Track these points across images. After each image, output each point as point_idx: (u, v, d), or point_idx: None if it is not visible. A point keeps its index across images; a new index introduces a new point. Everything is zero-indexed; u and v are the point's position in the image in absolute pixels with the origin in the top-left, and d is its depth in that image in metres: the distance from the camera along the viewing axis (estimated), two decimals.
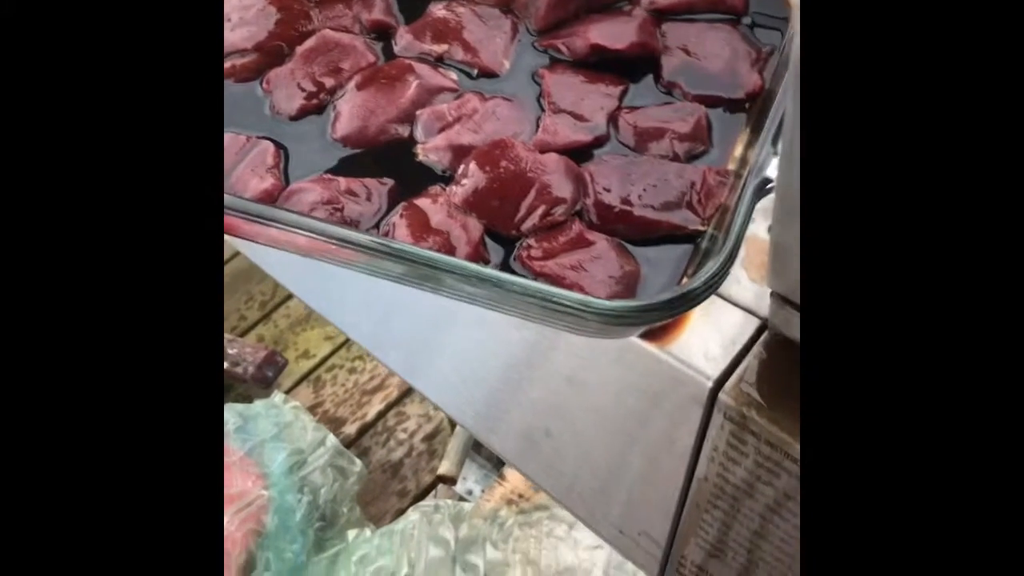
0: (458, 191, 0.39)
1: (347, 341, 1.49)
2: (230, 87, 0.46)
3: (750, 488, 0.36)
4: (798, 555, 0.36)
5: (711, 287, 0.32)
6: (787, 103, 0.27)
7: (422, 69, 0.44)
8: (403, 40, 0.46)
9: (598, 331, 0.34)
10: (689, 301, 0.31)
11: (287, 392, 1.40)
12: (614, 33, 0.44)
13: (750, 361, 0.35)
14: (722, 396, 0.35)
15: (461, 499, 1.19)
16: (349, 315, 0.59)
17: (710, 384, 0.35)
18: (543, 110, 0.42)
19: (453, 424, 1.28)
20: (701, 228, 0.37)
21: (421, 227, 0.39)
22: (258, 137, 0.43)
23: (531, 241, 0.38)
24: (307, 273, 0.58)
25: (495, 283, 0.33)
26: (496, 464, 1.21)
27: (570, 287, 0.36)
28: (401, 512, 1.22)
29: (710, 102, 0.41)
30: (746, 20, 0.45)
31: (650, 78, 0.43)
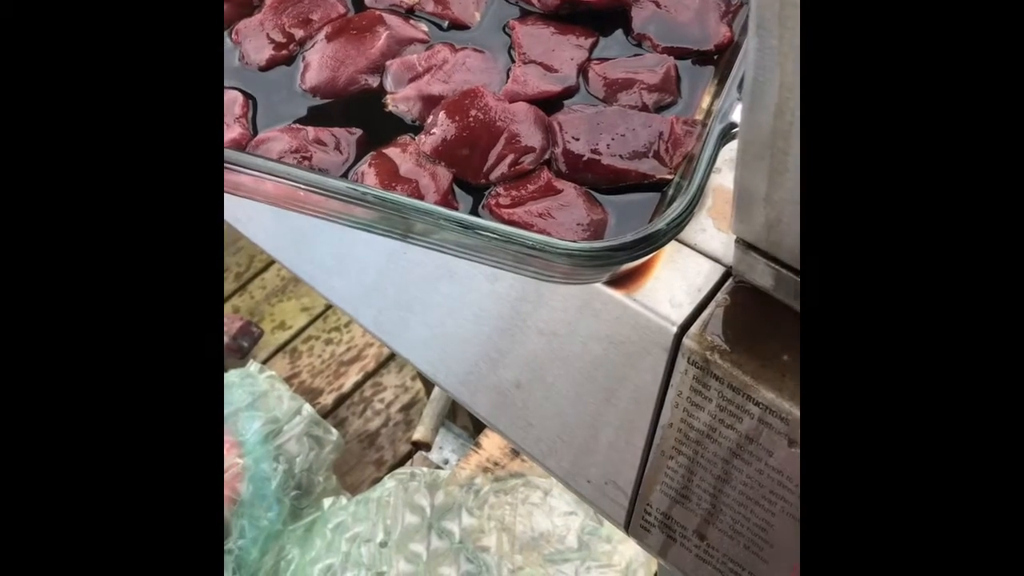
0: (427, 140, 0.39)
1: (324, 312, 1.48)
2: None
3: (713, 432, 0.36)
4: (760, 499, 0.37)
5: (675, 228, 0.32)
6: (749, 47, 0.27)
7: (392, 20, 0.44)
8: None
9: (565, 275, 0.34)
10: (654, 242, 0.32)
11: (263, 363, 1.40)
12: None
13: (714, 308, 0.36)
14: (686, 341, 0.35)
15: (437, 468, 1.19)
16: (325, 276, 0.59)
17: (674, 329, 0.35)
18: (513, 61, 0.42)
19: (429, 391, 1.28)
20: (668, 176, 0.37)
21: (390, 176, 0.39)
22: (227, 87, 0.43)
23: (499, 189, 0.38)
24: (284, 234, 0.58)
25: (463, 226, 0.33)
26: (472, 433, 1.22)
27: (539, 233, 0.36)
28: (377, 482, 1.23)
29: (679, 54, 0.41)
30: None
31: (620, 31, 0.43)
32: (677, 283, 0.36)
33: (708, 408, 0.36)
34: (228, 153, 0.37)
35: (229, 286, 1.54)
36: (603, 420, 0.41)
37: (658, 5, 0.43)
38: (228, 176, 0.37)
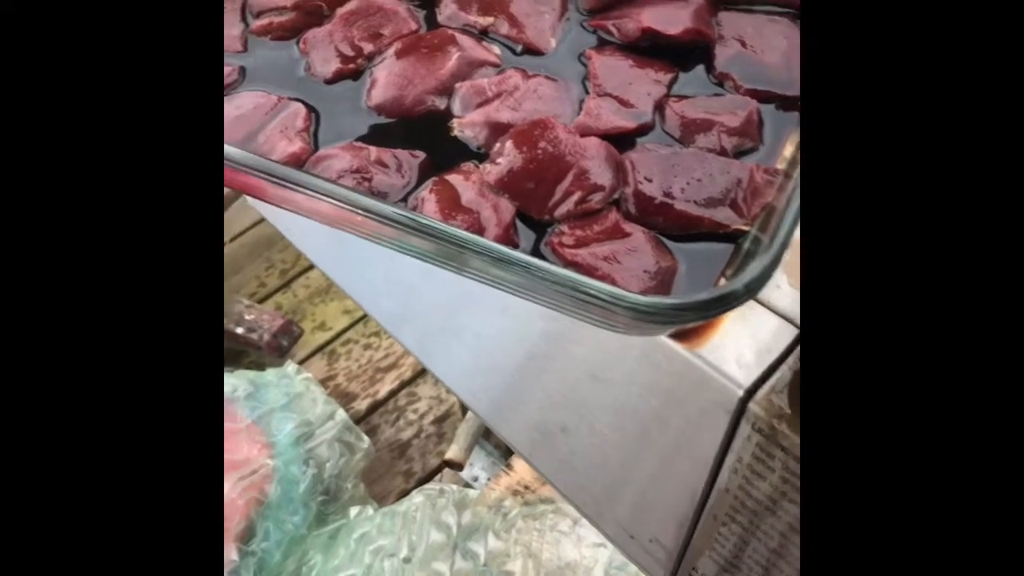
0: (492, 170, 0.37)
1: (364, 316, 1.48)
2: (265, 44, 0.45)
3: (773, 504, 0.34)
4: None
5: (751, 291, 0.30)
6: None
7: (465, 41, 0.42)
8: (448, 9, 0.45)
9: (627, 327, 0.32)
10: (726, 304, 0.30)
11: (301, 363, 1.40)
12: (668, 18, 0.42)
13: (784, 372, 0.34)
14: (752, 406, 0.33)
15: (466, 485, 1.18)
16: (369, 290, 0.58)
17: (741, 392, 0.33)
18: (587, 92, 0.40)
19: (464, 409, 1.27)
20: (744, 228, 0.35)
21: (450, 204, 0.37)
22: (290, 98, 0.41)
23: (564, 227, 0.36)
24: (330, 244, 0.57)
25: (524, 268, 0.32)
26: (504, 453, 1.20)
27: (602, 279, 0.34)
28: (405, 493, 1.22)
29: (763, 97, 0.39)
30: None
31: (701, 68, 0.41)
32: (746, 341, 0.34)
33: (770, 478, 0.34)
34: (284, 170, 0.35)
35: (273, 283, 1.54)
36: (653, 475, 0.39)
37: (744, 44, 0.41)
38: (283, 193, 0.36)
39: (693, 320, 0.31)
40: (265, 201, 0.37)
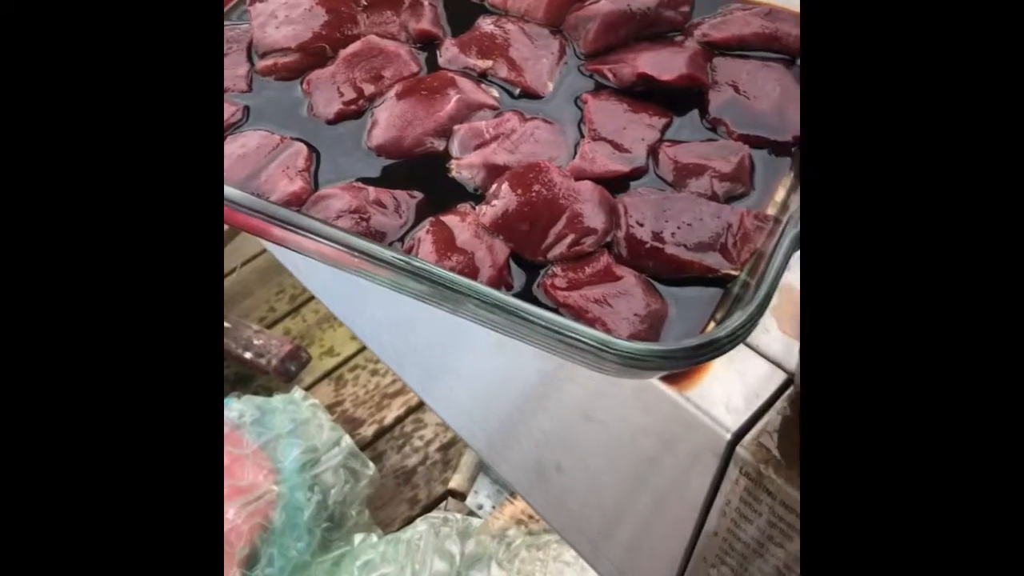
0: (487, 211, 0.38)
1: None
2: (270, 85, 0.46)
3: (760, 548, 0.34)
4: None
5: (738, 337, 0.30)
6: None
7: (464, 84, 0.43)
8: (448, 52, 0.45)
9: (617, 371, 0.33)
10: (713, 350, 0.30)
11: (308, 388, 1.40)
12: (663, 63, 0.42)
13: (772, 416, 0.34)
14: (740, 450, 0.33)
15: (471, 513, 1.17)
16: (369, 325, 0.58)
17: (728, 436, 0.33)
18: (583, 136, 0.41)
19: None
20: (734, 273, 0.36)
21: (446, 245, 0.38)
22: (292, 138, 0.42)
23: (557, 269, 0.37)
24: (331, 279, 0.58)
25: (515, 313, 0.32)
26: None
27: (592, 321, 0.34)
28: (410, 520, 1.22)
29: (755, 143, 0.40)
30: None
31: (695, 112, 0.42)
32: (735, 386, 0.35)
33: (757, 522, 0.34)
34: (283, 212, 0.36)
35: (282, 308, 1.55)
36: (644, 516, 0.39)
37: (737, 90, 0.41)
38: (286, 235, 0.37)
39: (680, 367, 0.31)
40: (269, 240, 0.38)
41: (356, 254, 0.34)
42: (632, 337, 0.34)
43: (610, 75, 0.43)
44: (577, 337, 0.31)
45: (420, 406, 1.40)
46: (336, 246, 0.35)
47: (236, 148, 0.42)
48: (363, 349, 1.48)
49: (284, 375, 1.38)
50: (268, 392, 1.26)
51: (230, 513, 1.04)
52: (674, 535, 0.38)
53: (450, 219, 0.39)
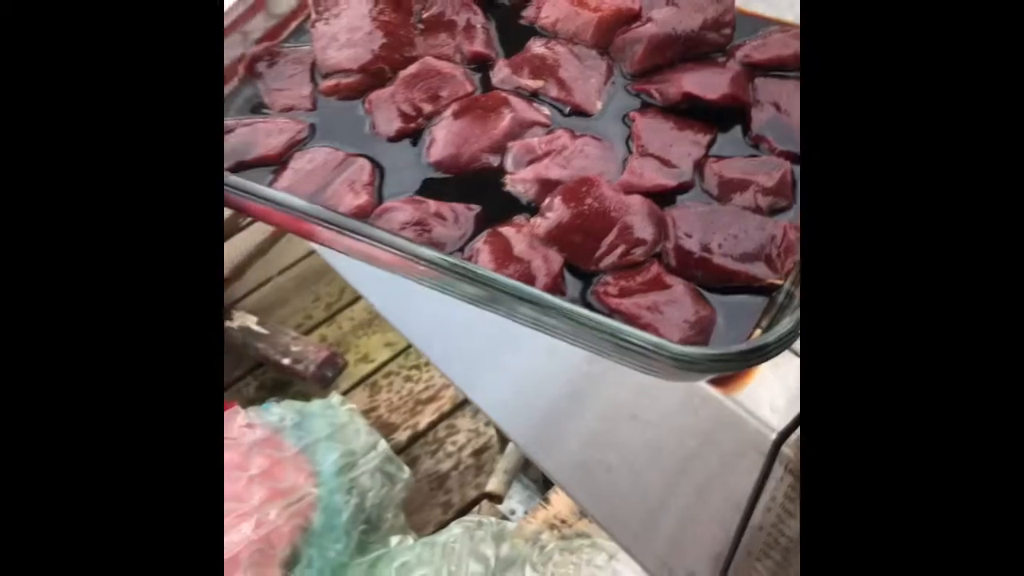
0: (542, 223, 0.40)
1: (406, 349, 1.51)
2: (332, 104, 0.48)
3: None
4: None
5: (784, 343, 0.32)
6: None
7: (517, 103, 0.46)
8: (501, 73, 0.48)
9: (668, 374, 0.35)
10: (761, 355, 0.32)
11: (344, 394, 1.43)
12: (707, 83, 0.45)
13: None
14: (784, 449, 0.35)
15: (504, 518, 1.20)
16: (415, 323, 0.61)
17: (774, 436, 0.35)
18: (631, 152, 0.44)
19: (504, 442, 1.29)
20: (778, 282, 0.38)
21: (503, 254, 0.40)
22: (356, 154, 0.45)
23: (609, 278, 0.39)
24: (378, 279, 0.60)
25: (572, 317, 0.34)
26: (541, 487, 1.22)
27: (644, 327, 0.37)
28: (444, 524, 1.24)
29: (796, 158, 0.42)
30: None
31: (738, 129, 0.44)
32: (779, 388, 0.37)
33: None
34: (352, 223, 0.39)
35: (319, 315, 1.58)
36: (691, 513, 0.41)
37: (778, 108, 0.44)
38: (348, 242, 0.39)
39: (729, 370, 0.33)
40: (335, 249, 0.40)
41: (423, 263, 0.37)
42: (682, 342, 0.36)
43: (656, 94, 0.46)
44: (631, 340, 0.33)
45: (453, 412, 1.43)
46: (404, 255, 0.37)
47: (304, 164, 0.45)
48: (397, 356, 1.51)
49: (321, 381, 1.41)
50: (305, 398, 1.29)
51: (272, 515, 1.07)
52: (719, 530, 0.40)
53: (507, 230, 0.41)
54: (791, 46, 0.46)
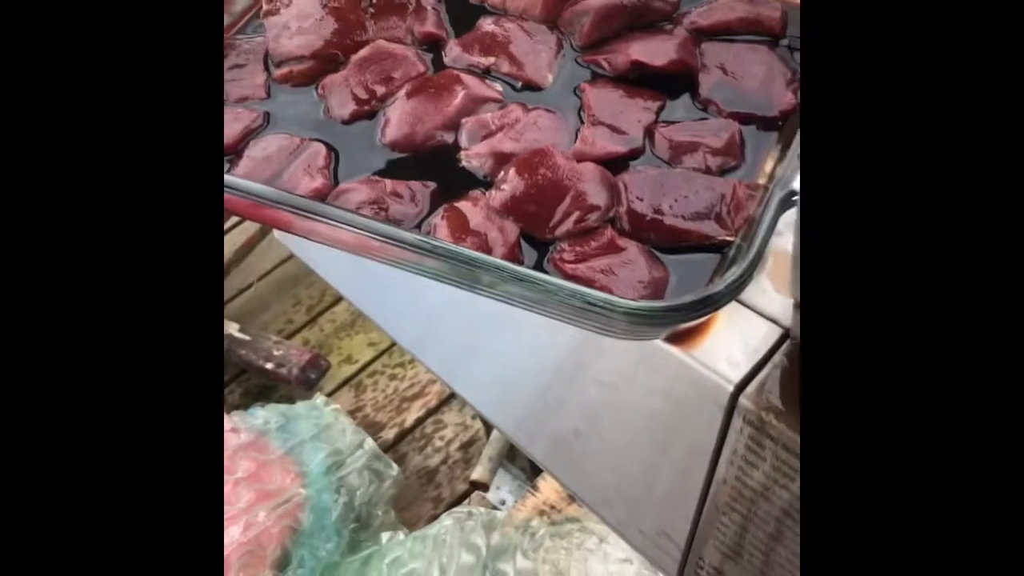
0: (497, 195, 0.41)
1: (389, 348, 1.52)
2: (287, 91, 0.49)
3: (767, 491, 0.37)
4: None
5: (733, 292, 0.33)
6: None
7: (469, 80, 0.46)
8: (452, 52, 0.48)
9: (625, 331, 0.36)
10: (712, 304, 0.33)
11: (329, 395, 1.43)
12: (654, 50, 0.45)
13: (771, 369, 0.37)
14: (742, 400, 0.36)
15: (494, 508, 1.20)
16: (393, 317, 0.61)
17: (731, 388, 0.36)
18: (582, 122, 0.44)
19: (489, 431, 1.30)
20: (729, 238, 0.38)
21: (460, 228, 0.40)
22: (311, 139, 0.45)
23: (564, 245, 0.40)
24: (355, 275, 0.61)
25: (529, 281, 0.35)
26: (529, 475, 1.23)
27: (600, 289, 0.37)
28: (434, 519, 1.24)
29: (744, 119, 0.43)
30: (783, 42, 0.47)
31: (687, 95, 0.45)
32: (735, 343, 0.37)
33: (762, 467, 0.37)
34: (308, 203, 0.39)
35: (300, 319, 1.58)
36: (658, 473, 0.42)
37: (725, 72, 0.44)
38: (308, 224, 0.40)
39: (682, 321, 0.34)
40: (293, 233, 0.41)
41: (379, 238, 0.37)
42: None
43: (605, 64, 0.46)
44: (586, 299, 0.34)
45: (439, 408, 1.43)
46: (360, 232, 0.37)
47: (259, 151, 0.45)
48: (381, 355, 1.51)
49: (305, 383, 1.41)
50: (290, 402, 1.29)
51: (260, 516, 1.07)
52: (687, 488, 0.41)
53: (463, 205, 0.41)
54: (736, 10, 0.47)
